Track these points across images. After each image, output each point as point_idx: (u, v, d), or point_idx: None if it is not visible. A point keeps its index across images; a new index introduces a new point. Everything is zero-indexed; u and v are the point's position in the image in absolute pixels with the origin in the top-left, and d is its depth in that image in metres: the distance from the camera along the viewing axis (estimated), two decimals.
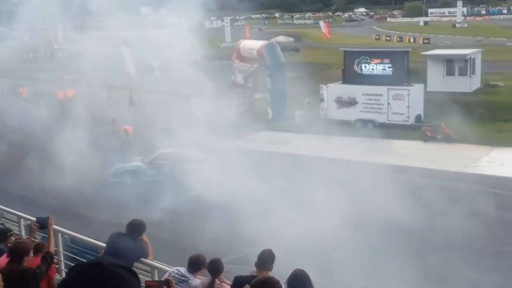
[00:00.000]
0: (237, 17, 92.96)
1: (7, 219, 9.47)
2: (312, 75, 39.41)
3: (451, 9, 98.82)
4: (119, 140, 25.37)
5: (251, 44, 33.78)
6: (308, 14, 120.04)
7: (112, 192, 18.72)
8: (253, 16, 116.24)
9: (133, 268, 2.33)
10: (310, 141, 25.23)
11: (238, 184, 16.51)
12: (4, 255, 6.20)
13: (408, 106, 27.39)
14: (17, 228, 8.48)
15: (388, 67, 28.52)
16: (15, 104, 30.76)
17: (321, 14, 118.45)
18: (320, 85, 30.93)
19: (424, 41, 61.21)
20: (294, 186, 16.90)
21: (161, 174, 20.17)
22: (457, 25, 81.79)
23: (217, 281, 6.37)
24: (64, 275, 7.55)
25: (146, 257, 7.10)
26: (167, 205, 16.35)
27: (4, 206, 9.68)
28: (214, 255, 6.95)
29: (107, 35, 30.79)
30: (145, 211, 15.21)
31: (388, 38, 68.23)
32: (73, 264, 7.48)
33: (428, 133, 25.55)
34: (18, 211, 8.91)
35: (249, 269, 6.55)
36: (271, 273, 5.69)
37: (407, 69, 28.70)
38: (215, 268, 6.45)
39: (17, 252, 5.81)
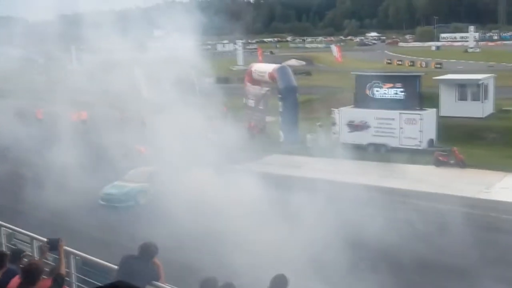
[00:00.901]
0: (249, 41, 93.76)
1: (20, 240, 9.47)
2: (323, 98, 39.52)
3: (463, 34, 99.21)
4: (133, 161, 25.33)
5: (263, 67, 33.98)
6: (320, 38, 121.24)
7: (133, 215, 18.62)
8: (265, 39, 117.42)
9: None
10: (322, 164, 25.10)
11: (244, 206, 16.35)
12: (16, 277, 6.18)
13: (421, 131, 27.31)
14: (30, 249, 8.47)
15: (400, 92, 28.53)
16: (31, 125, 31.02)
17: (333, 38, 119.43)
18: (332, 109, 30.98)
19: (436, 65, 61.29)
20: (305, 209, 16.75)
21: (162, 193, 19.38)
22: (469, 50, 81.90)
23: None
24: None
25: (157, 280, 7.07)
26: (180, 225, 16.12)
27: (17, 227, 9.68)
28: (224, 278, 6.89)
29: (120, 57, 31.10)
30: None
31: (400, 63, 68.48)
32: (85, 287, 7.47)
33: (440, 158, 25.35)
34: (31, 232, 8.90)
35: None
36: None
37: (419, 94, 28.67)
38: None
39: (30, 274, 5.81)
